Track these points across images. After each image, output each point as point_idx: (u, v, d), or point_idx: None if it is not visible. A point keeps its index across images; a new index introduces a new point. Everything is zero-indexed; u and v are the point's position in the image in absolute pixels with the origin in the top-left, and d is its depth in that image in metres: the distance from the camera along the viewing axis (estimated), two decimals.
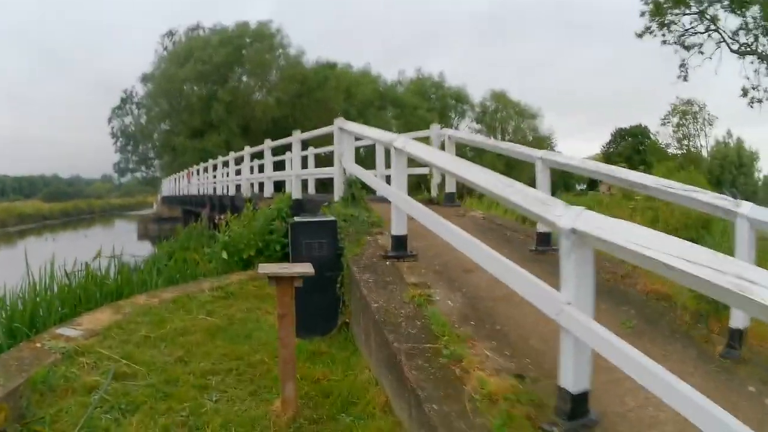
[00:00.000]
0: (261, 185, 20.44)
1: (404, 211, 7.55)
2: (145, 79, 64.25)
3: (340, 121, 11.73)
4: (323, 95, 58.06)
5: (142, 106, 68.74)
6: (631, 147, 73.85)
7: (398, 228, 7.83)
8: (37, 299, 9.61)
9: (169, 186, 51.65)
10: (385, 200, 8.92)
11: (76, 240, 46.81)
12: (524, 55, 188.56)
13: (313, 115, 56.45)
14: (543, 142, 74.80)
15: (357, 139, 12.30)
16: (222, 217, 15.13)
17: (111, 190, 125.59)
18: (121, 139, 72.78)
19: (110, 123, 72.94)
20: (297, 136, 15.14)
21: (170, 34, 64.50)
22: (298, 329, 6.06)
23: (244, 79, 59.80)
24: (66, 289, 10.38)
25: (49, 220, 75.30)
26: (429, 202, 13.51)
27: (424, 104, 68.33)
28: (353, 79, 64.44)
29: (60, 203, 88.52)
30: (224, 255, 12.88)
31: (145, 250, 43.43)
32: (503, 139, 63.60)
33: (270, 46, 59.27)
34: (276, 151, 19.85)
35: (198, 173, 34.60)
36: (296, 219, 8.61)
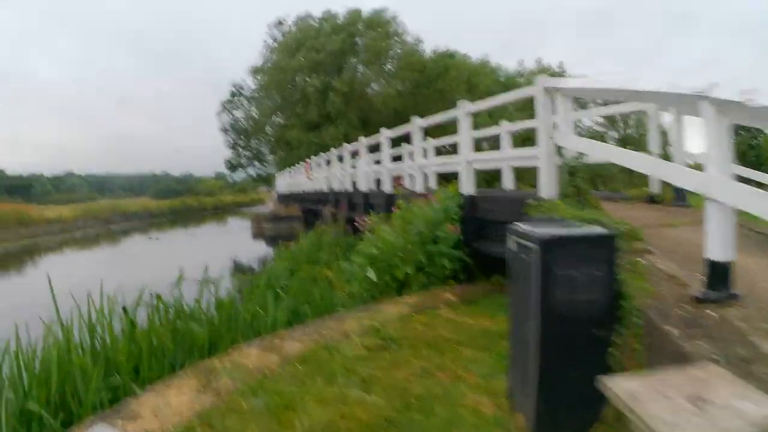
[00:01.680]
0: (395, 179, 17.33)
1: (729, 215, 4.52)
2: (255, 71, 62.10)
3: (546, 79, 8.11)
4: (444, 85, 54.40)
5: (253, 99, 66.58)
6: (745, 142, 69.17)
7: (720, 247, 4.58)
8: (72, 361, 6.04)
9: (285, 181, 49.19)
10: None
11: (182, 240, 44.57)
12: (630, 46, 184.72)
13: (434, 106, 52.76)
14: (664, 135, 69.20)
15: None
16: (363, 218, 11.41)
17: (223, 187, 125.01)
18: (231, 133, 70.67)
19: (220, 117, 70.79)
20: (464, 109, 11.01)
21: (279, 23, 61.82)
22: (535, 424, 4.32)
23: (360, 68, 56.50)
24: (122, 344, 6.68)
25: (156, 217, 74.51)
26: (650, 201, 10.66)
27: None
28: (473, 69, 60.41)
29: (169, 200, 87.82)
30: (371, 274, 9.37)
31: (259, 251, 41.61)
32: (625, 131, 59.14)
33: (386, 34, 55.92)
34: (396, 140, 17.68)
35: (318, 166, 30.93)
36: (538, 230, 4.72)
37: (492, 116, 36.67)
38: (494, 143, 21.79)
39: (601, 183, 28.32)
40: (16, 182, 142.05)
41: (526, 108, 45.99)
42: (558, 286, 4.41)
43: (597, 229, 4.88)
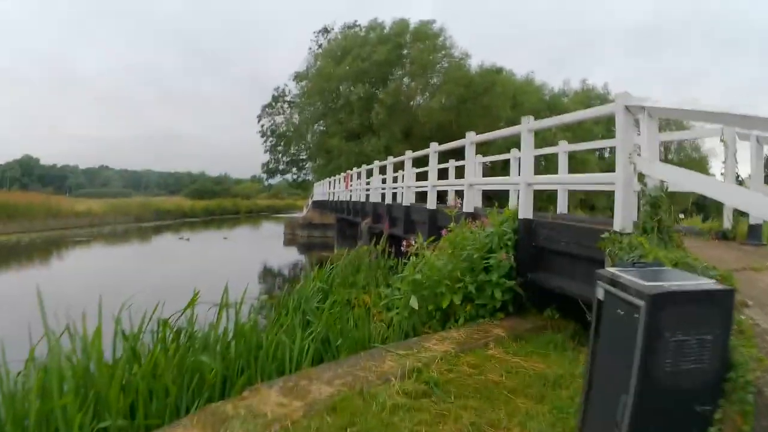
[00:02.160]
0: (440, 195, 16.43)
1: None
2: (298, 76, 62.13)
3: (629, 97, 7.02)
4: (489, 101, 53.51)
5: (295, 105, 66.17)
6: None
7: None
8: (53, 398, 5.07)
9: (322, 190, 48.17)
10: None
11: (213, 242, 43.97)
12: (677, 67, 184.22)
13: (479, 122, 52.30)
14: (704, 160, 69.06)
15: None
16: (410, 240, 10.33)
17: (259, 191, 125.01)
18: (271, 138, 70.33)
19: (260, 121, 70.81)
20: (528, 125, 9.92)
21: (325, 31, 61.76)
22: None
23: (406, 80, 55.68)
24: (116, 379, 5.55)
25: (189, 217, 74.40)
26: (722, 237, 9.44)
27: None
28: (518, 86, 59.87)
29: (203, 201, 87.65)
30: (413, 303, 8.40)
31: (291, 257, 40.89)
32: (666, 157, 57.82)
33: (433, 47, 55.20)
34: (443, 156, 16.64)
35: (359, 177, 29.90)
36: (644, 281, 3.74)
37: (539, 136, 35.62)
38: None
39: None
40: (50, 172, 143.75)
41: (570, 129, 45.43)
42: (666, 353, 3.50)
43: (711, 283, 3.89)
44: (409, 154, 17.70)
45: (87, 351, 5.97)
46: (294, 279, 28.24)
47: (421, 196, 16.71)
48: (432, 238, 10.38)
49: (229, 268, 27.65)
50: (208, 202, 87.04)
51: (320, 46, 60.97)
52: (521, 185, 9.56)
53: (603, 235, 6.62)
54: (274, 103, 71.27)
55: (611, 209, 7.89)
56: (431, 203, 14.90)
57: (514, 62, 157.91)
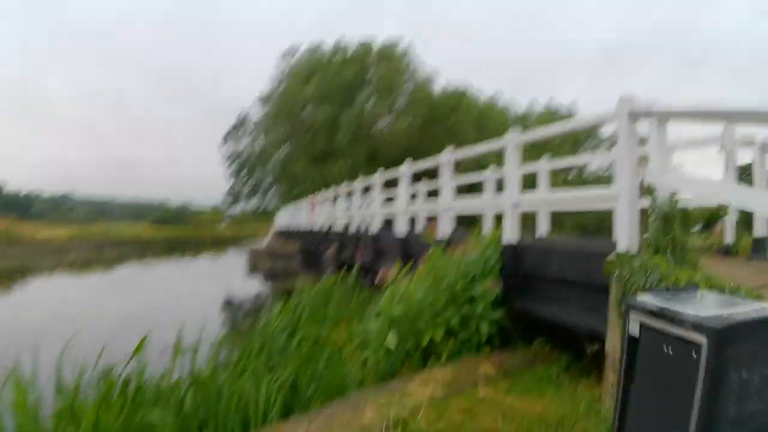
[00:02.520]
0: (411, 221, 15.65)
1: None
2: (263, 99, 60.82)
3: (631, 102, 6.36)
4: (454, 124, 53.22)
5: (260, 128, 64.62)
6: None
7: None
8: None
9: (286, 217, 47.03)
10: None
11: (174, 273, 42.70)
12: (641, 89, 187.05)
13: (444, 144, 51.74)
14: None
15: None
16: (388, 269, 9.37)
17: (221, 219, 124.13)
18: (234, 163, 69.15)
19: (224, 145, 69.62)
20: (515, 139, 8.95)
21: (291, 52, 60.44)
22: None
23: (371, 101, 54.91)
24: None
25: (151, 246, 73.01)
26: (725, 252, 9.08)
27: (554, 138, 61.99)
28: (482, 108, 59.82)
29: (165, 229, 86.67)
30: (391, 341, 7.47)
31: (254, 288, 39.88)
32: None
33: (398, 68, 54.73)
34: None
35: (325, 201, 28.56)
36: (700, 311, 2.91)
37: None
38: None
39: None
40: (13, 199, 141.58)
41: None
42: (731, 394, 2.90)
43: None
44: (378, 177, 16.74)
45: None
46: (257, 311, 27.20)
47: (389, 223, 16.23)
48: (408, 266, 9.46)
49: (189, 301, 26.75)
50: (170, 231, 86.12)
51: (286, 68, 59.86)
52: (506, 207, 8.70)
53: (609, 258, 5.79)
54: (238, 127, 69.98)
55: (599, 229, 7.16)
56: (401, 230, 14.14)
57: (479, 83, 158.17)
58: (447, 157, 11.85)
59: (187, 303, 30.35)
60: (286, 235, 45.67)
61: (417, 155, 50.99)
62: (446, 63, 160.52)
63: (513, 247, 8.48)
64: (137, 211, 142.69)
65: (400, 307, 7.74)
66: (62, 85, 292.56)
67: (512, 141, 8.85)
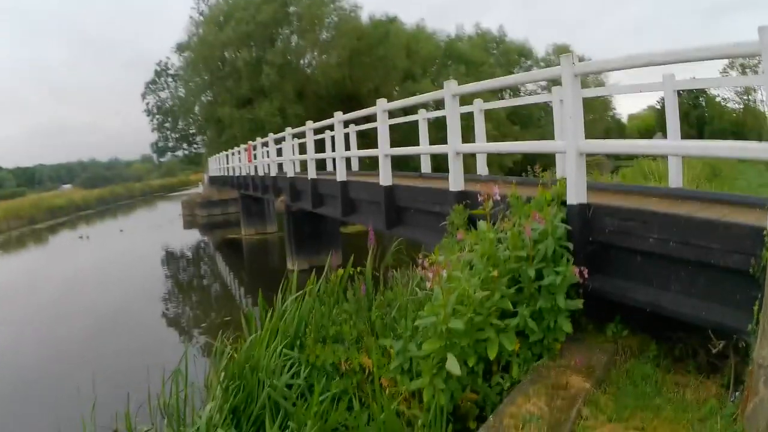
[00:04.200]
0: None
1: None
2: (180, 48, 58.23)
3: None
4: (384, 53, 51.51)
5: (180, 78, 62.61)
6: (688, 102, 71.32)
7: None
8: None
9: (218, 164, 44.77)
10: None
11: (111, 237, 40.53)
12: (568, 16, 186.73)
13: (374, 74, 51.34)
14: (606, 102, 73.47)
15: None
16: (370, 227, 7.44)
17: (151, 170, 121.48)
18: (157, 116, 66.85)
19: (144, 99, 67.12)
20: (571, 69, 6.55)
21: None
22: None
23: (294, 38, 52.77)
24: None
25: (83, 210, 70.17)
26: None
27: (489, 60, 62.23)
28: (411, 35, 58.08)
29: (96, 190, 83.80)
30: (453, 366, 5.12)
31: (192, 239, 38.18)
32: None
33: (321, 1, 52.07)
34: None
35: (265, 146, 25.86)
36: None
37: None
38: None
39: None
40: None
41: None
42: None
43: None
44: (339, 117, 14.72)
45: None
46: (199, 262, 25.48)
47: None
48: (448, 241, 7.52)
49: (132, 271, 24.88)
50: (101, 191, 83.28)
51: (201, 13, 57.10)
52: (571, 151, 6.41)
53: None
54: (157, 79, 67.87)
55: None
56: (385, 177, 11.76)
57: (399, 11, 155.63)
58: (382, 106, 10.78)
59: (129, 275, 28.72)
60: (222, 182, 43.91)
61: (347, 88, 49.96)
62: None
63: (582, 209, 6.33)
64: (67, 174, 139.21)
65: (460, 320, 5.36)
66: None
67: (567, 69, 6.89)
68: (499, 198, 6.25)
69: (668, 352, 5.57)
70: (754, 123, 68.41)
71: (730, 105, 77.82)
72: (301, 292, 8.25)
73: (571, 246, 5.88)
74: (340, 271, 8.31)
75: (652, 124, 78.28)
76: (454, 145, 8.90)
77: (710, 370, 5.24)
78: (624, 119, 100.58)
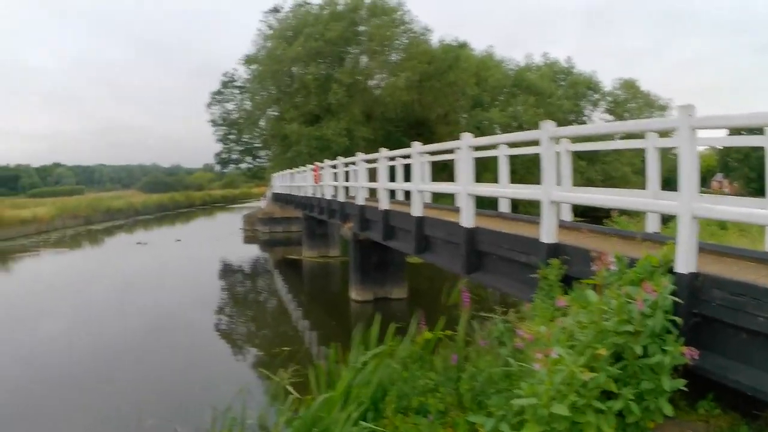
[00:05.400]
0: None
1: None
2: (248, 60, 58.27)
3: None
4: (454, 78, 50.90)
5: (246, 90, 62.51)
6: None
7: None
8: None
9: (282, 181, 43.84)
10: None
11: (166, 247, 40.24)
12: (629, 45, 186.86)
13: (444, 100, 50.93)
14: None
15: None
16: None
17: (213, 179, 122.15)
18: (222, 126, 66.89)
19: (210, 109, 67.22)
20: (687, 121, 5.60)
21: (275, 10, 57.97)
22: None
23: (364, 59, 52.63)
24: None
25: (142, 214, 71.10)
26: None
27: (557, 91, 61.35)
28: (480, 61, 57.76)
29: (156, 195, 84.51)
30: None
31: (252, 254, 37.88)
32: None
33: (391, 22, 51.79)
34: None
35: (333, 168, 24.49)
36: None
37: None
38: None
39: None
40: (2, 173, 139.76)
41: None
42: None
43: None
44: (418, 148, 13.91)
45: None
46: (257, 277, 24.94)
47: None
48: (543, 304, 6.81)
49: (191, 293, 24.21)
50: (160, 197, 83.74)
51: (270, 27, 57.24)
52: (682, 210, 5.71)
53: None
54: (223, 90, 67.78)
55: None
56: (467, 218, 10.83)
57: (471, 38, 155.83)
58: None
59: (187, 272, 28.58)
60: (284, 199, 43.09)
61: (415, 112, 49.67)
62: (434, 19, 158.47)
63: (692, 278, 5.59)
64: (127, 177, 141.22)
65: (564, 405, 4.69)
66: (46, 58, 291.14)
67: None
68: (613, 266, 5.62)
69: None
70: None
71: None
72: (379, 349, 7.42)
73: (677, 320, 5.19)
74: (427, 333, 7.49)
75: (712, 165, 76.06)
76: (548, 193, 8.03)
77: None
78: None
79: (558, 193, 8.45)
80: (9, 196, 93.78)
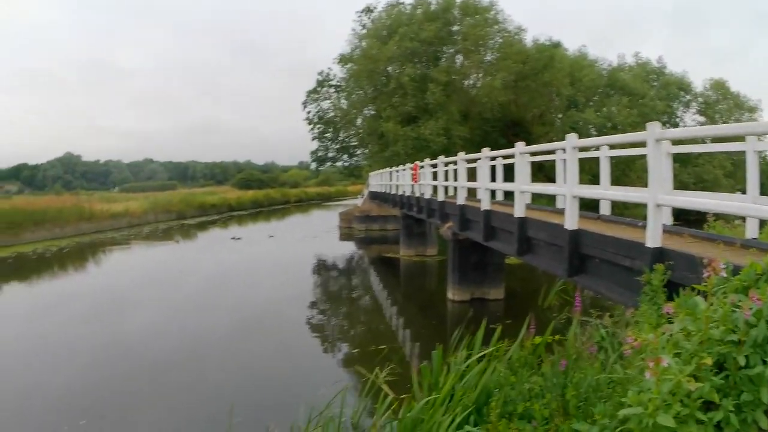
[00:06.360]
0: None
1: None
2: (342, 59, 58.85)
3: None
4: (549, 78, 50.85)
5: (342, 89, 63.24)
6: None
7: None
8: None
9: (380, 181, 43.92)
10: None
11: (260, 243, 41.07)
12: (715, 46, 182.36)
13: (539, 100, 51.31)
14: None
15: None
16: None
17: (308, 177, 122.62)
18: (318, 125, 67.61)
19: (305, 108, 68.08)
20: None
21: (368, 10, 58.63)
22: None
23: (459, 58, 53.02)
24: None
25: (236, 210, 72.65)
26: None
27: (649, 92, 59.92)
28: (573, 61, 57.12)
29: (250, 192, 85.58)
30: None
31: (348, 251, 38.35)
32: None
33: (484, 21, 51.89)
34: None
35: (432, 168, 24.81)
36: None
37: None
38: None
39: None
40: (93, 168, 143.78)
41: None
42: None
43: None
44: (521, 148, 14.07)
45: None
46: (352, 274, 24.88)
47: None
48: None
49: (286, 289, 24.39)
50: (255, 193, 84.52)
51: (364, 26, 58.35)
52: None
53: None
54: (319, 88, 68.39)
55: None
56: (571, 220, 10.95)
57: (558, 36, 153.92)
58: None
59: (283, 268, 29.29)
60: (381, 197, 43.49)
61: (512, 112, 49.65)
62: (524, 18, 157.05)
63: None
64: (221, 173, 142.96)
65: (669, 415, 4.84)
66: (139, 57, 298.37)
67: None
68: (723, 274, 5.88)
69: None
70: None
71: None
72: (486, 351, 7.55)
73: None
74: (537, 338, 7.61)
75: None
76: (655, 196, 8.03)
77: None
78: None
79: (664, 196, 8.51)
80: (100, 191, 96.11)
